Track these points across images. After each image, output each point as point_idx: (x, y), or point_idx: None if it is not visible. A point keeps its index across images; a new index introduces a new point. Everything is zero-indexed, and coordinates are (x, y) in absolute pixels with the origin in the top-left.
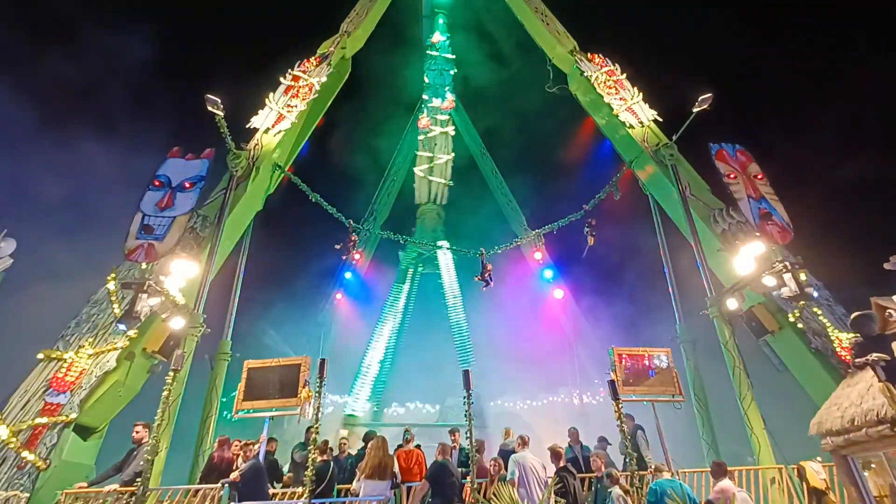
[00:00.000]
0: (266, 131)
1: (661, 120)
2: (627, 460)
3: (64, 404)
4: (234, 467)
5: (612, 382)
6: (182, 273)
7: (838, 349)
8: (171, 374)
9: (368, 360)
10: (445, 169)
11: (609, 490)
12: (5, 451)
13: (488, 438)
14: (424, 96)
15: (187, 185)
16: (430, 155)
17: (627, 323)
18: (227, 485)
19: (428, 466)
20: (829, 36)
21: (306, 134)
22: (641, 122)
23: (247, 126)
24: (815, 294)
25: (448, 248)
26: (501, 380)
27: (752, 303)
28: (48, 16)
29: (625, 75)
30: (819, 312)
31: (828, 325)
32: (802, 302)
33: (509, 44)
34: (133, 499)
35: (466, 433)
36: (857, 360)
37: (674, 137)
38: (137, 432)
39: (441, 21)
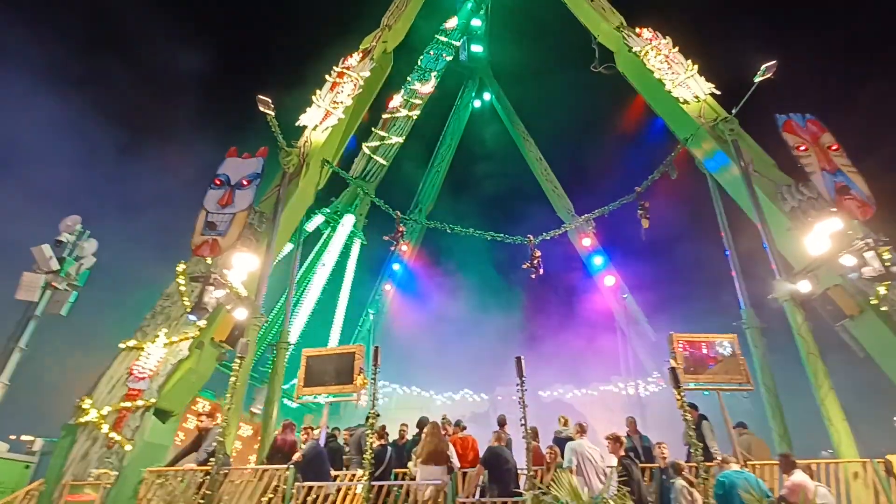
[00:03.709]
0: (314, 128)
1: (718, 93)
2: (692, 451)
3: (144, 390)
4: (297, 449)
5: (672, 370)
6: (243, 266)
7: None
8: (238, 360)
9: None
10: (390, 151)
11: (672, 481)
12: (96, 432)
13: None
14: (409, 78)
15: (245, 183)
16: (385, 134)
17: (686, 310)
18: (292, 465)
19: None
20: None
21: (352, 128)
22: (697, 97)
23: (296, 124)
24: None
25: (492, 235)
26: (552, 369)
27: (828, 285)
28: (112, 31)
29: (677, 48)
30: None
31: None
32: (888, 282)
33: (551, 25)
34: (208, 477)
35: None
36: None
37: (734, 111)
38: (202, 421)
39: (469, 6)
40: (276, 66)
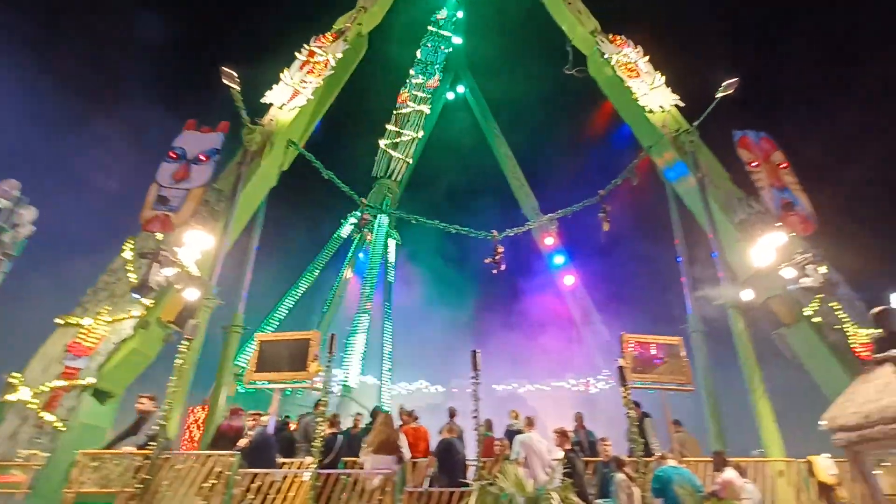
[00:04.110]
0: (281, 107)
1: (682, 105)
2: (634, 446)
3: (82, 369)
4: (244, 436)
5: (620, 369)
6: (197, 245)
7: (855, 345)
8: (185, 343)
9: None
10: (409, 147)
11: (613, 474)
12: (26, 411)
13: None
14: (411, 71)
15: (202, 158)
16: (399, 130)
17: (639, 311)
18: (237, 452)
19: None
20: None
21: (321, 111)
22: (662, 107)
23: (262, 101)
24: (836, 288)
25: (457, 229)
26: (508, 364)
27: (768, 295)
28: None
29: (647, 58)
30: (838, 307)
31: (846, 320)
32: (821, 295)
33: (529, 23)
34: (147, 461)
35: (472, 413)
36: (877, 355)
37: (695, 123)
38: (142, 404)
39: None
40: (243, 39)
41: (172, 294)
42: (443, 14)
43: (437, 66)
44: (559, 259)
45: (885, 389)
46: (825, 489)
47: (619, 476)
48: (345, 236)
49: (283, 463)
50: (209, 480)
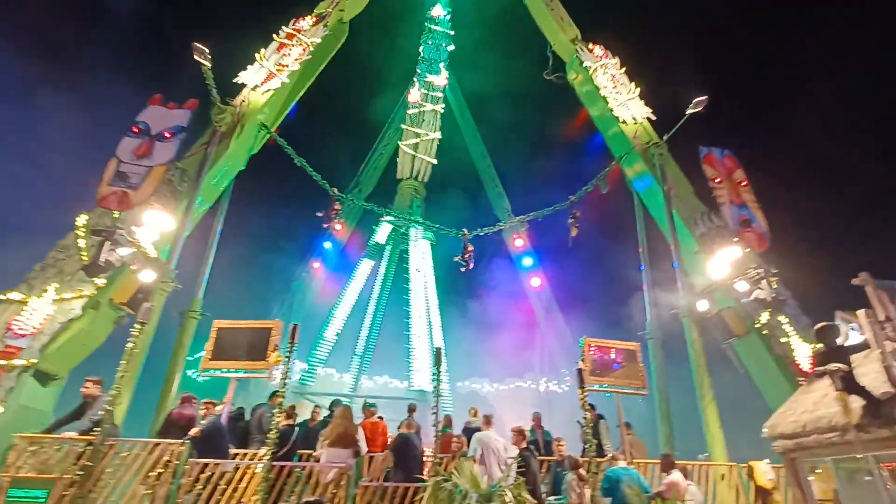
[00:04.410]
0: (254, 88)
1: (654, 118)
2: (587, 447)
3: (24, 348)
4: (195, 424)
5: (579, 371)
6: (156, 225)
7: (798, 358)
8: (138, 326)
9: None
10: (431, 147)
11: (565, 473)
12: None
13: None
14: (419, 70)
15: (167, 135)
16: (418, 131)
17: (601, 316)
18: (187, 441)
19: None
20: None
21: (296, 96)
22: (635, 119)
23: (234, 81)
24: (784, 303)
25: (428, 226)
26: (471, 362)
27: (722, 306)
28: None
29: (624, 69)
30: (785, 321)
31: (792, 333)
32: (770, 309)
33: (510, 25)
34: (90, 447)
35: (432, 410)
36: (818, 368)
37: (665, 137)
38: (87, 388)
39: None
40: (218, 14)
41: (127, 275)
42: (437, 11)
43: (441, 64)
44: (527, 261)
45: (822, 401)
46: (762, 493)
47: (570, 475)
48: (381, 242)
49: (236, 454)
50: (156, 469)
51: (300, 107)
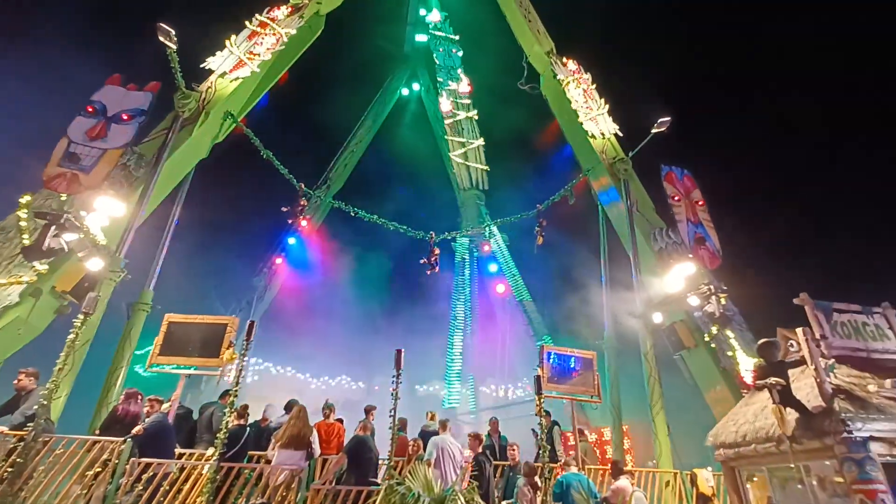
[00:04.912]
0: (222, 76)
1: (621, 135)
2: (541, 452)
3: None
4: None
5: (537, 378)
6: (107, 211)
7: (741, 371)
8: (81, 317)
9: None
10: (479, 153)
11: (517, 478)
12: None
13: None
14: (440, 79)
15: (125, 118)
16: (462, 140)
17: (562, 323)
18: (129, 439)
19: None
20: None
21: (266, 87)
22: (603, 134)
23: (201, 66)
24: (732, 319)
25: (396, 227)
26: (433, 365)
27: (675, 319)
28: None
29: (595, 85)
30: (731, 336)
31: (737, 348)
32: (718, 324)
33: (489, 33)
34: (21, 444)
35: (389, 412)
36: (758, 382)
37: (630, 154)
38: (20, 380)
39: None
40: None
41: (73, 262)
42: (434, 16)
43: (459, 70)
44: (493, 267)
45: (761, 413)
46: (703, 499)
47: (521, 480)
48: (461, 259)
49: (182, 454)
50: (94, 468)
51: (271, 98)
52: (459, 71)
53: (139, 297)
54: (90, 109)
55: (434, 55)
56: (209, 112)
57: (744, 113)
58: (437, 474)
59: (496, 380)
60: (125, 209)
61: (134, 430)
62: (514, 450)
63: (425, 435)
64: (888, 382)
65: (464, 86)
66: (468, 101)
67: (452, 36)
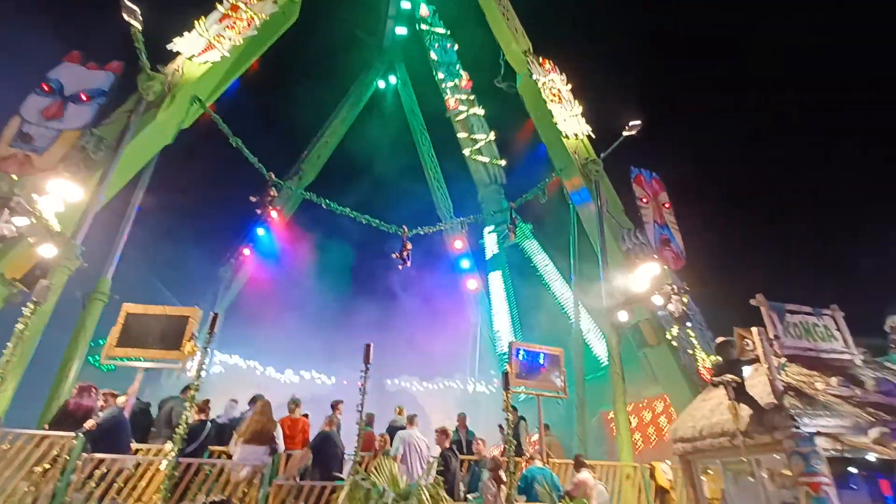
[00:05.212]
0: (190, 58)
1: (593, 136)
2: (507, 447)
3: None
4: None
5: (506, 374)
6: (62, 195)
7: (701, 368)
8: (31, 306)
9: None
10: (491, 148)
11: (482, 471)
12: None
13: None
14: (440, 75)
15: (84, 98)
16: (473, 136)
17: (532, 320)
18: (81, 434)
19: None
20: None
21: (236, 73)
22: (576, 135)
23: (168, 47)
24: (693, 318)
25: (368, 220)
26: (402, 360)
27: (640, 318)
28: None
29: (570, 86)
30: (692, 334)
31: (697, 346)
32: (679, 323)
33: (468, 29)
34: None
35: (357, 407)
36: (715, 379)
37: (601, 156)
38: None
39: None
40: None
41: (24, 248)
42: (424, 11)
43: (458, 66)
44: (465, 263)
45: (717, 409)
46: (661, 492)
47: (486, 475)
48: (494, 253)
49: (138, 450)
50: (42, 464)
51: (241, 85)
52: (458, 67)
53: (96, 286)
54: (46, 88)
55: (430, 51)
56: (175, 95)
57: (717, 115)
58: (404, 469)
59: (464, 375)
60: (83, 194)
61: (86, 425)
62: (479, 444)
63: (392, 430)
64: (834, 381)
65: (464, 81)
66: (471, 97)
67: (443, 30)
